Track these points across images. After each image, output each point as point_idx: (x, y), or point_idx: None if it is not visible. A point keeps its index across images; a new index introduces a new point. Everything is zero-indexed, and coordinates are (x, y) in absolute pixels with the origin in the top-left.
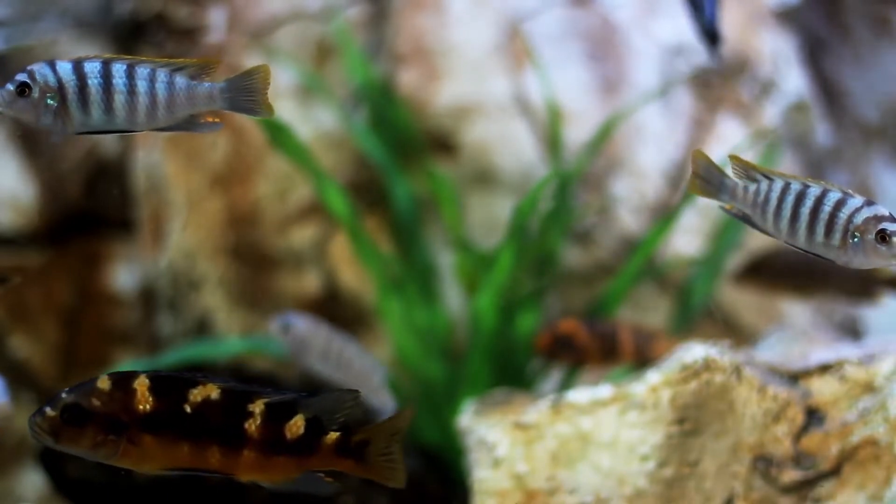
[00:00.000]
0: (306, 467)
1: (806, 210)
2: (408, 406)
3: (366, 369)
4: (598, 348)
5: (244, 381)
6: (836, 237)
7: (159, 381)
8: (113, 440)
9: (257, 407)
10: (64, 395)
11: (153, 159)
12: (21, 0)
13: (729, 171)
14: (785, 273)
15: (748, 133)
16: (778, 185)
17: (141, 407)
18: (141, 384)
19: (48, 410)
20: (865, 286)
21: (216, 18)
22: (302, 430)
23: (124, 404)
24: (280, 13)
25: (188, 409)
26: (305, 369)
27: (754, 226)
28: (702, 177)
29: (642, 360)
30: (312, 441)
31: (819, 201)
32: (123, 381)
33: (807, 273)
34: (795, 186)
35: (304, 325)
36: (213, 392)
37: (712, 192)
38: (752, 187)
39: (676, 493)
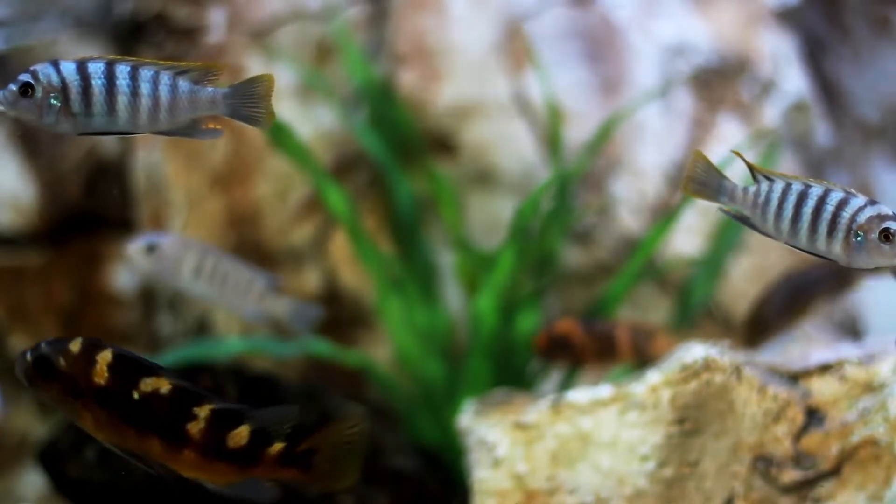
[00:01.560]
0: (248, 476)
1: (808, 210)
2: (358, 412)
3: (245, 280)
4: (595, 348)
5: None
6: (839, 237)
7: (120, 361)
8: (72, 401)
9: (203, 411)
10: (42, 346)
11: (153, 159)
12: (21, 0)
13: (728, 172)
14: (783, 306)
15: (748, 133)
16: (779, 185)
17: (95, 379)
18: (103, 358)
19: (28, 355)
20: (845, 278)
21: (216, 18)
22: (245, 441)
23: (83, 372)
24: (280, 13)
25: (136, 396)
26: (175, 289)
27: (754, 227)
28: (699, 179)
29: (641, 358)
30: (255, 452)
31: (821, 201)
32: (90, 350)
33: (799, 294)
34: (797, 187)
35: (172, 244)
36: (164, 386)
37: (710, 195)
38: (752, 188)
39: (676, 493)
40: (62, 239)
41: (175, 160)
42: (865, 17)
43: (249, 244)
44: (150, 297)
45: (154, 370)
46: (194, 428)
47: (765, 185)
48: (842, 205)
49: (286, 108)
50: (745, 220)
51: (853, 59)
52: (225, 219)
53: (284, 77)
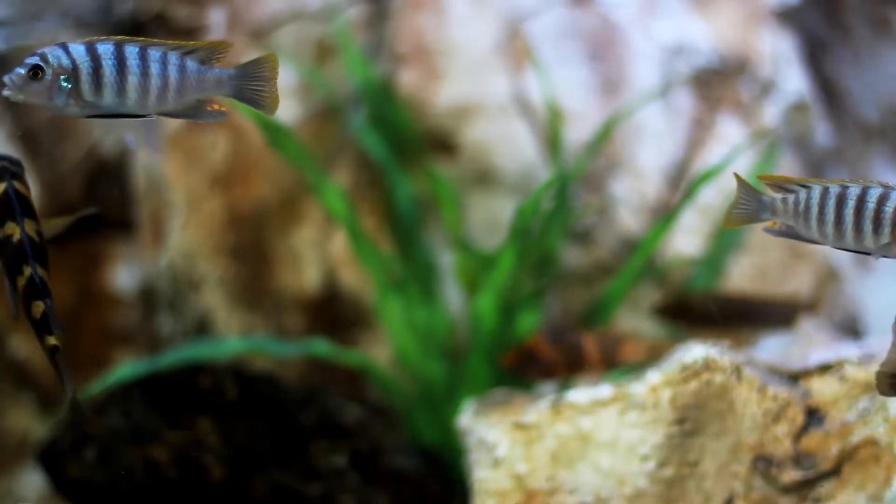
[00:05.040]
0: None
1: (849, 211)
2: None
3: None
4: (564, 360)
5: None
6: (885, 232)
7: (4, 199)
8: None
9: (27, 271)
10: None
11: (153, 159)
12: (21, 0)
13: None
14: (699, 316)
15: (748, 133)
16: (816, 191)
17: None
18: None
19: None
20: (785, 316)
21: (216, 18)
22: (37, 316)
23: None
24: (280, 13)
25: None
26: None
27: (800, 237)
28: (742, 204)
29: (612, 366)
30: (41, 329)
31: (861, 200)
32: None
33: (741, 314)
34: (834, 189)
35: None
36: (15, 235)
37: (753, 215)
38: (791, 198)
39: (676, 493)
40: (62, 239)
41: (175, 160)
42: (865, 17)
43: (249, 244)
44: (150, 297)
45: (16, 219)
46: (20, 281)
47: (803, 194)
48: (882, 200)
49: (286, 108)
50: (789, 233)
51: (853, 59)
52: (225, 219)
53: (284, 77)
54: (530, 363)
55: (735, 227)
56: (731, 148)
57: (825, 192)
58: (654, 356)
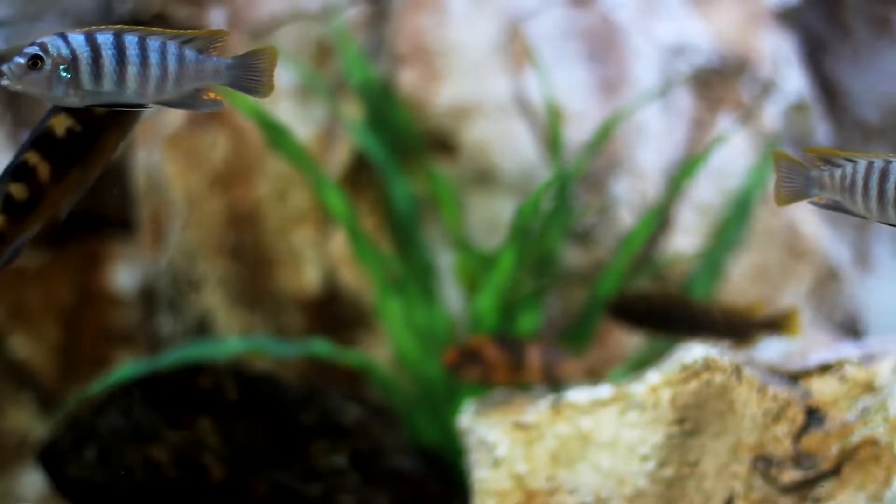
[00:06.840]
0: None
1: (891, 185)
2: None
3: None
4: (506, 364)
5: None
6: None
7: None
8: None
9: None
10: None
11: (153, 159)
12: (21, 0)
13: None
14: (641, 318)
15: (748, 133)
16: (862, 165)
17: None
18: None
19: None
20: (740, 330)
21: (216, 18)
22: None
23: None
24: (280, 13)
25: None
26: None
27: (846, 211)
28: (788, 181)
29: (550, 379)
30: None
31: None
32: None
33: (686, 327)
34: (878, 164)
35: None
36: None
37: (801, 192)
38: (838, 172)
39: (676, 493)
40: (62, 239)
41: (175, 160)
42: (865, 17)
43: (249, 244)
44: (150, 297)
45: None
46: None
47: (849, 168)
48: None
49: (285, 108)
50: (835, 207)
51: (853, 59)
52: (225, 219)
53: (284, 77)
54: (472, 363)
55: (787, 204)
56: (733, 149)
57: (869, 167)
58: (591, 378)
